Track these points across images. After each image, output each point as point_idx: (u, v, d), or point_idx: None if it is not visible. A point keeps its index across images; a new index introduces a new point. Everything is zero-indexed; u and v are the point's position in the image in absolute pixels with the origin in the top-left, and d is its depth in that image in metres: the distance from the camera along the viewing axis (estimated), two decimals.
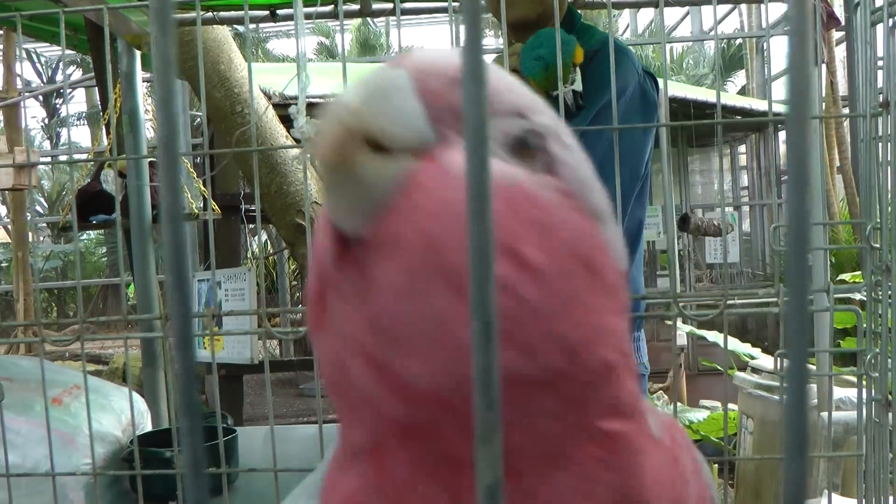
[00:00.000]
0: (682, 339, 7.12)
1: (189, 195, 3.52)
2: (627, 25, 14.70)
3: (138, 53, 3.03)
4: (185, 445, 0.21)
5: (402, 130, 0.44)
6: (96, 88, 4.57)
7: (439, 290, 0.42)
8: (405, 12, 3.09)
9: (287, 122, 3.69)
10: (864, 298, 1.52)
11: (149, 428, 2.71)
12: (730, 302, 1.50)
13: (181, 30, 3.02)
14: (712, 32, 12.44)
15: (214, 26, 3.36)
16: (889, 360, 1.42)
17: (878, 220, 1.40)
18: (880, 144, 1.45)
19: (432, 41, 21.60)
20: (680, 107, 7.59)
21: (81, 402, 2.74)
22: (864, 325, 1.48)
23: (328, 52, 15.17)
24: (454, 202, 0.42)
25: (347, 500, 0.50)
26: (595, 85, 2.14)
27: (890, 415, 1.44)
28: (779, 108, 2.21)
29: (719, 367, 4.19)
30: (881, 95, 1.45)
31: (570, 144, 0.51)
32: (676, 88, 8.25)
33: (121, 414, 2.49)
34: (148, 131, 3.65)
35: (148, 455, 2.15)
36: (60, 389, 2.41)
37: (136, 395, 2.56)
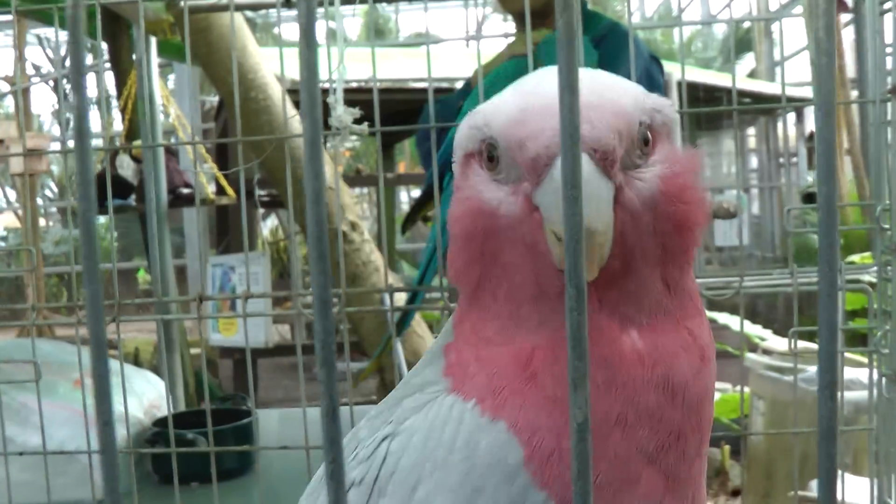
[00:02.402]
0: None
1: (204, 179, 3.56)
2: (637, 9, 14.65)
3: (154, 40, 3.06)
4: (323, 392, 0.25)
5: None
6: (104, 74, 4.59)
7: None
8: None
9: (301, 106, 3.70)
10: (874, 279, 1.56)
11: (166, 411, 2.74)
12: (744, 283, 1.54)
13: (195, 17, 3.04)
14: (720, 15, 12.41)
15: (228, 13, 3.38)
16: None
17: (888, 202, 1.44)
18: (889, 129, 1.48)
19: (441, 24, 21.56)
20: (689, 90, 7.58)
21: None
22: (875, 304, 1.52)
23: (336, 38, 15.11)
24: None
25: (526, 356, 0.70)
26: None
27: None
28: (791, 91, 2.23)
29: (730, 350, 4.21)
30: (890, 80, 1.49)
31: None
32: (685, 72, 8.24)
33: (142, 396, 2.53)
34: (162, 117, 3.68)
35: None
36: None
37: (156, 378, 2.61)
